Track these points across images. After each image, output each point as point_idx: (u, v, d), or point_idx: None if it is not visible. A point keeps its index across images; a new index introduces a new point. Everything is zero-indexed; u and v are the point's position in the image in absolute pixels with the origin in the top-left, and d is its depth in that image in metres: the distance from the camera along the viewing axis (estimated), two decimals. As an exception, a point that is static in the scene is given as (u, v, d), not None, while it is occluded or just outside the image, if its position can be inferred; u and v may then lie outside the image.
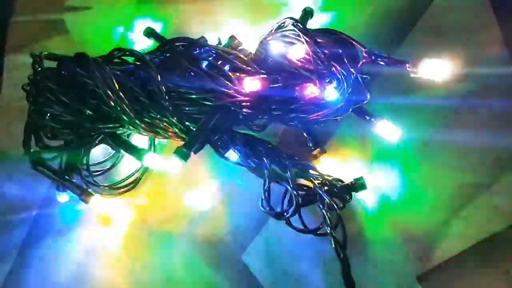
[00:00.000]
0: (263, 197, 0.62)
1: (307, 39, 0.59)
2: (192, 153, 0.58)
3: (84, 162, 0.69)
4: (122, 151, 0.67)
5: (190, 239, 0.71)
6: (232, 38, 0.68)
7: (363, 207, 0.69)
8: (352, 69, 0.60)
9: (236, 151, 0.63)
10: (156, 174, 0.74)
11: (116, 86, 0.57)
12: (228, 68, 0.62)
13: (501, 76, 0.70)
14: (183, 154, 0.57)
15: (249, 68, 0.62)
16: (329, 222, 0.59)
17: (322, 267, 0.67)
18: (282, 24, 0.64)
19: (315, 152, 0.70)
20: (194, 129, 0.59)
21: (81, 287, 0.70)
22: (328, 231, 0.59)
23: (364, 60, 0.62)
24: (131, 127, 0.59)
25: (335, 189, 0.62)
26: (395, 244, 0.67)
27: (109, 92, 0.56)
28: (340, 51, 0.61)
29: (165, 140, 0.72)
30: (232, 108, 0.59)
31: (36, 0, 0.82)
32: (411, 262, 0.66)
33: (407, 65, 0.60)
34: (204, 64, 0.62)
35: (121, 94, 0.57)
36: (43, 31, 0.80)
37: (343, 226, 0.60)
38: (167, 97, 0.57)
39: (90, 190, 0.67)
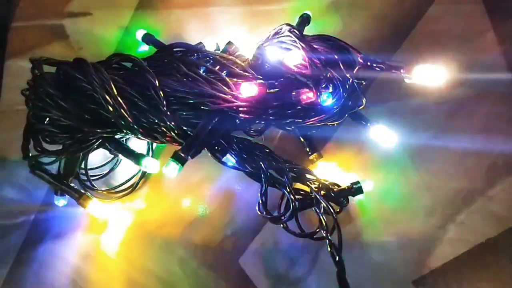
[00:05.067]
0: (260, 201, 0.62)
1: (304, 45, 0.60)
2: (189, 157, 0.58)
3: (82, 166, 0.70)
4: (120, 155, 0.67)
5: (188, 243, 0.71)
6: (229, 44, 0.69)
7: (360, 211, 0.69)
8: (348, 75, 0.61)
9: (233, 155, 0.63)
10: (154, 179, 0.74)
11: (115, 91, 0.57)
12: (225, 74, 0.63)
13: (496, 81, 0.71)
14: (180, 158, 0.57)
15: (246, 73, 0.63)
16: (325, 226, 0.59)
17: (318, 271, 0.67)
18: (279, 30, 0.64)
19: (312, 157, 0.70)
20: (191, 134, 0.60)
21: (78, 291, 0.70)
22: (324, 235, 0.59)
23: (359, 66, 0.62)
24: (129, 132, 0.60)
25: (332, 194, 0.63)
26: (391, 249, 0.67)
27: (107, 97, 0.57)
28: (336, 57, 0.62)
29: (163, 145, 0.72)
30: (230, 113, 0.59)
31: (36, 6, 0.82)
32: (407, 267, 0.67)
33: (402, 70, 0.61)
34: (202, 69, 0.62)
35: (119, 99, 0.57)
36: (43, 37, 0.81)
37: (339, 230, 0.60)
38: (164, 102, 0.58)
39: (88, 194, 0.67)
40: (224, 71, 0.63)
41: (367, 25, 0.74)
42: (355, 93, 0.62)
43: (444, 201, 0.69)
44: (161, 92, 0.58)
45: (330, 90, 0.61)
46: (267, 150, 0.65)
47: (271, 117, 0.61)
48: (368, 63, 0.62)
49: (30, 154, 0.64)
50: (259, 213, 0.63)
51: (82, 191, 0.68)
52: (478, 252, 0.66)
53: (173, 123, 0.58)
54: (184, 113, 0.60)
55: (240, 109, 0.59)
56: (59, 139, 0.62)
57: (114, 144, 0.65)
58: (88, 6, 0.81)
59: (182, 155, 0.57)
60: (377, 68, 0.62)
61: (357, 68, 0.62)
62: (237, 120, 0.61)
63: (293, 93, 0.59)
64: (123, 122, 0.58)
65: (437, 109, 0.71)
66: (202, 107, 0.59)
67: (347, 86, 0.61)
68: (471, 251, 0.66)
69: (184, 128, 0.60)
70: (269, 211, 0.62)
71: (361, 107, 0.64)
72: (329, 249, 0.58)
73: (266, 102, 0.60)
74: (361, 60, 0.62)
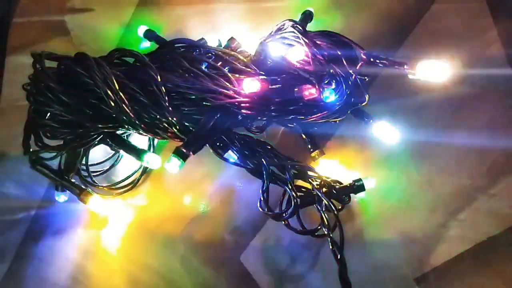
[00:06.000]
0: (262, 198, 0.62)
1: (306, 40, 0.60)
2: (191, 153, 0.58)
3: (83, 162, 0.69)
4: (121, 151, 0.67)
5: (189, 239, 0.71)
6: (231, 39, 0.69)
7: (362, 209, 0.69)
8: (350, 71, 0.61)
9: (235, 152, 0.63)
10: (155, 175, 0.74)
11: (116, 86, 0.57)
12: (227, 69, 0.62)
13: (499, 78, 0.71)
14: (182, 154, 0.57)
15: (249, 69, 0.63)
16: (327, 223, 0.59)
17: (319, 269, 0.67)
18: (282, 26, 0.64)
19: (313, 154, 0.70)
20: (193, 130, 0.60)
21: (79, 288, 0.70)
22: (326, 233, 0.59)
23: (362, 62, 0.62)
24: (130, 127, 0.60)
25: (333, 191, 0.63)
26: (393, 246, 0.67)
27: (109, 92, 0.57)
28: (339, 53, 0.61)
29: (164, 141, 0.72)
30: (232, 109, 0.59)
31: (37, 1, 0.82)
32: (409, 264, 0.67)
33: (405, 66, 0.61)
34: (204, 65, 0.62)
35: (121, 94, 0.57)
36: (44, 32, 0.81)
37: (341, 228, 0.60)
38: (166, 97, 0.58)
39: (89, 190, 0.67)
40: (226, 67, 0.63)
41: (370, 22, 0.74)
42: (358, 90, 0.62)
43: (446, 198, 0.68)
44: (163, 88, 0.58)
45: (333, 86, 0.60)
46: (269, 147, 0.65)
47: (273, 114, 0.61)
48: (371, 59, 0.62)
49: (31, 150, 0.64)
50: (260, 210, 0.62)
51: (83, 187, 0.67)
52: (480, 250, 0.66)
53: (175, 119, 0.58)
54: (186, 109, 0.60)
55: (242, 105, 0.59)
56: (60, 134, 0.61)
57: (115, 140, 0.65)
58: (90, 2, 0.81)
59: (184, 151, 0.57)
60: (380, 64, 0.62)
61: (360, 64, 0.62)
62: (239, 116, 0.61)
63: (296, 89, 0.59)
64: (124, 118, 0.58)
65: (439, 106, 0.71)
66: (204, 103, 0.59)
67: (350, 83, 0.61)
68: (473, 249, 0.66)
69: (186, 123, 0.60)
70: (271, 208, 0.62)
71: (363, 104, 0.64)
72: (330, 246, 0.58)
73: (268, 98, 0.60)
74: (364, 56, 0.62)
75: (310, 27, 0.71)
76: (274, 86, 0.60)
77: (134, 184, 0.73)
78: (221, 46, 0.69)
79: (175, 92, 0.59)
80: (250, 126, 0.68)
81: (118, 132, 0.65)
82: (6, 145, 0.76)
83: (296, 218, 0.62)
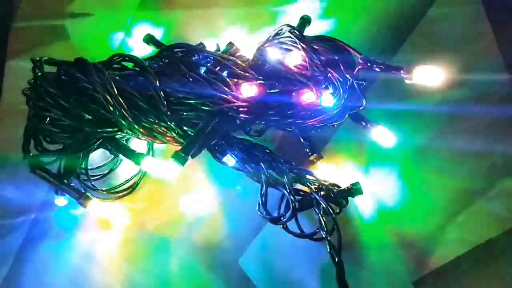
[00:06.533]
0: (260, 202, 0.62)
1: (304, 45, 0.60)
2: (189, 157, 0.58)
3: (83, 166, 0.70)
4: (120, 155, 0.67)
5: (188, 243, 0.71)
6: (230, 44, 0.69)
7: (359, 212, 0.69)
8: (348, 75, 0.61)
9: (233, 156, 0.63)
10: (154, 179, 0.74)
11: (115, 91, 0.57)
12: (226, 74, 0.63)
13: (496, 82, 0.71)
14: (180, 158, 0.57)
15: (247, 74, 0.63)
16: (325, 226, 0.59)
17: (318, 272, 0.67)
18: (280, 31, 0.65)
19: (312, 158, 0.70)
20: (192, 134, 0.60)
21: (78, 291, 0.70)
22: (324, 236, 0.59)
23: (360, 67, 0.63)
24: (129, 132, 0.60)
25: (331, 194, 0.63)
26: (391, 249, 0.67)
27: (108, 97, 0.57)
28: (336, 57, 0.62)
29: (163, 145, 0.73)
30: (230, 113, 0.59)
31: (37, 6, 0.83)
32: (407, 267, 0.66)
33: (402, 71, 0.61)
34: (202, 70, 0.63)
35: (120, 99, 0.57)
36: (44, 37, 0.81)
37: (339, 231, 0.60)
38: (165, 102, 0.58)
39: (88, 194, 0.67)
40: (225, 72, 0.63)
41: (368, 26, 0.74)
42: (355, 94, 0.63)
43: (444, 201, 0.68)
44: (161, 92, 0.58)
45: (330, 90, 0.61)
46: (267, 151, 0.65)
47: (271, 118, 0.62)
48: (368, 64, 0.62)
49: (31, 154, 0.64)
50: (259, 213, 0.63)
51: (82, 190, 0.68)
52: (478, 252, 0.66)
53: (173, 123, 0.59)
54: (184, 113, 0.60)
55: (241, 109, 0.59)
56: (59, 139, 0.62)
57: (114, 144, 0.65)
58: (90, 7, 0.82)
59: (183, 155, 0.57)
60: (377, 69, 0.62)
61: (357, 69, 0.63)
62: (237, 121, 0.61)
63: (294, 94, 0.60)
64: (123, 122, 0.58)
65: (437, 110, 0.71)
66: (202, 107, 0.59)
67: (347, 87, 0.61)
68: (471, 251, 0.66)
69: (185, 128, 0.60)
70: (269, 211, 0.62)
71: (361, 108, 0.64)
72: (328, 250, 0.58)
73: (266, 102, 0.60)
74: (361, 61, 0.63)
75: (309, 31, 0.72)
76: (272, 91, 0.60)
77: (133, 188, 0.74)
78: (219, 50, 0.70)
79: (173, 97, 0.59)
80: (249, 130, 0.68)
81: (117, 136, 0.65)
82: (6, 148, 0.77)
83: (294, 222, 0.62)
